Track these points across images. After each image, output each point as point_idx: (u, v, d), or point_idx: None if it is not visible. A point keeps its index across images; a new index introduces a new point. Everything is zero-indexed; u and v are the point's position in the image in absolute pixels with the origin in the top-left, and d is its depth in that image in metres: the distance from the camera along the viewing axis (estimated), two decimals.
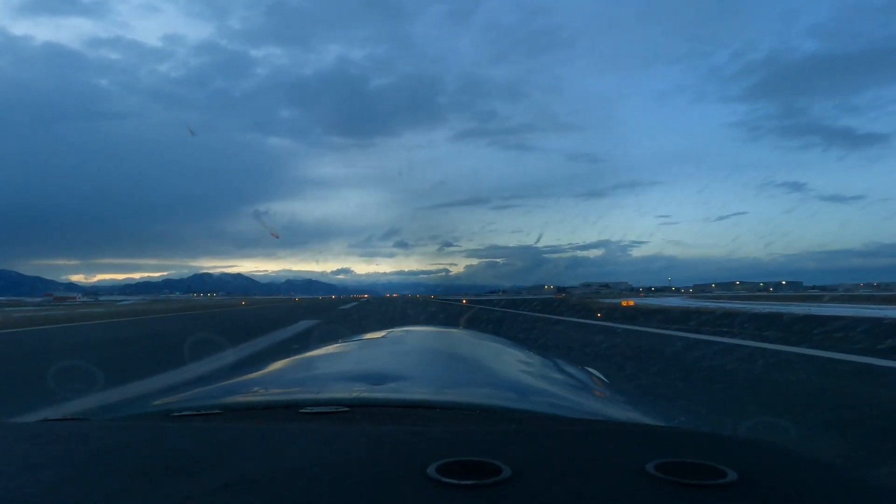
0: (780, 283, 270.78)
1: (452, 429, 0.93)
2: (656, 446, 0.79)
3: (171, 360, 8.20)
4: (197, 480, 0.65)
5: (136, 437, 0.86)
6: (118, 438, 0.85)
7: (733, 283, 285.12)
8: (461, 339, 2.63)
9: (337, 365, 1.81)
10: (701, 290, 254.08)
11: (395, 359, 1.89)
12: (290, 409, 1.07)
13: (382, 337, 2.36)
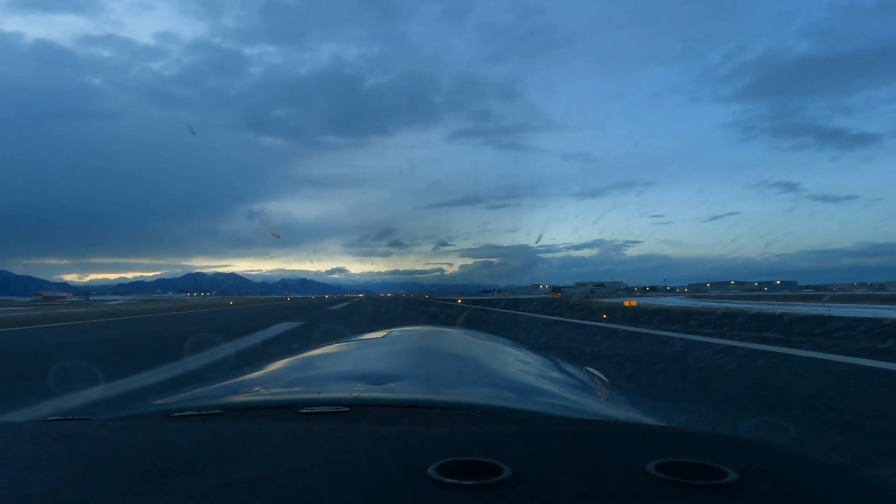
0: (774, 283, 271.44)
1: (453, 429, 0.92)
2: (657, 446, 0.79)
3: (118, 369, 7.55)
4: (197, 480, 0.65)
5: (136, 437, 0.87)
6: (119, 438, 0.86)
7: (728, 282, 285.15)
8: (461, 339, 2.60)
9: (337, 365, 1.81)
10: (696, 289, 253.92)
11: (396, 359, 1.90)
12: (290, 409, 1.07)
13: (383, 337, 2.35)
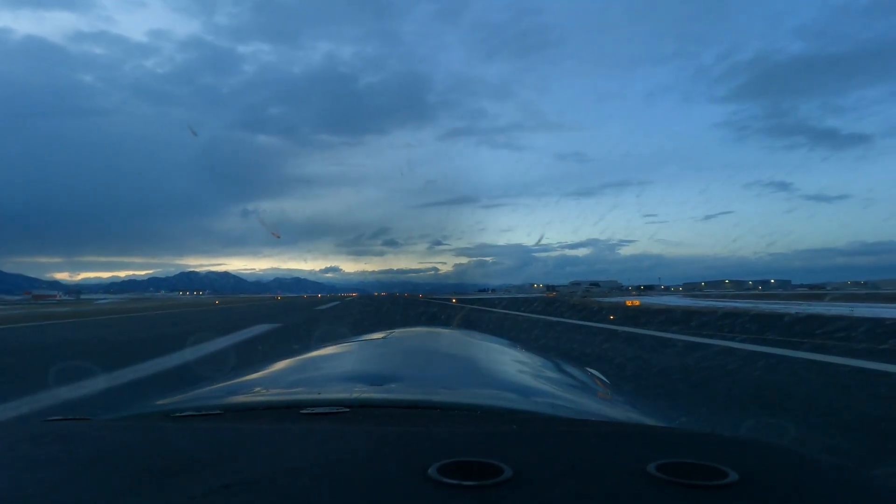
0: (769, 282, 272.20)
1: (453, 429, 0.91)
2: (657, 447, 0.79)
3: (66, 375, 6.99)
4: (198, 481, 0.65)
5: (137, 438, 0.87)
6: (119, 438, 0.86)
7: (722, 281, 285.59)
8: (462, 340, 2.59)
9: (338, 365, 1.80)
10: (691, 288, 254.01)
11: (396, 359, 1.89)
12: (290, 410, 1.07)
13: (383, 337, 2.37)
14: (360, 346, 2.25)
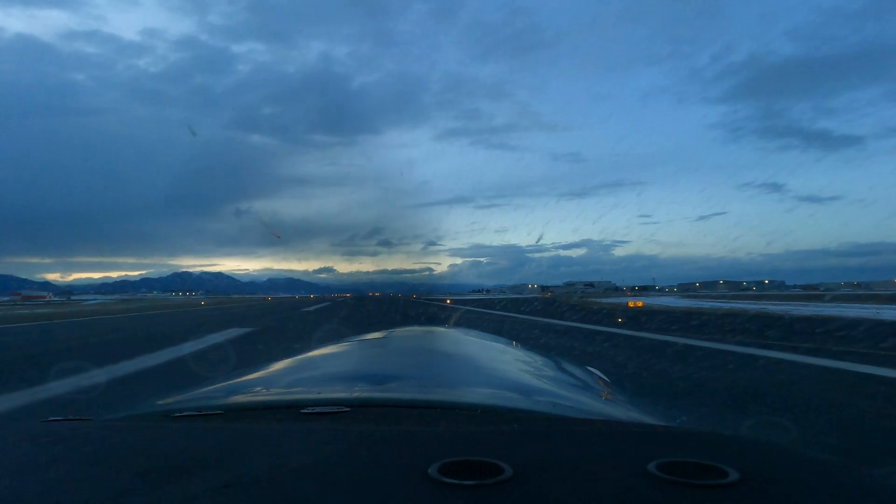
0: (763, 283, 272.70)
1: (454, 429, 0.91)
2: (658, 446, 0.79)
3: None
4: (198, 481, 0.65)
5: (137, 438, 0.86)
6: (120, 439, 0.86)
7: (717, 282, 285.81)
8: (462, 339, 2.57)
9: (338, 365, 1.81)
10: (685, 289, 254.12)
11: (396, 359, 1.90)
12: (291, 410, 1.07)
13: (383, 337, 2.38)
14: (360, 345, 2.26)
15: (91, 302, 65.25)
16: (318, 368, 1.74)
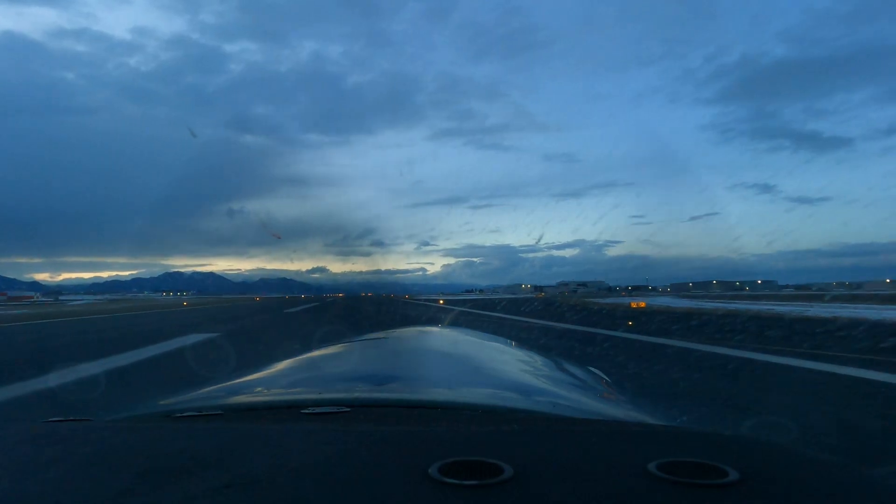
0: (755, 283, 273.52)
1: (454, 429, 0.91)
2: (658, 446, 0.79)
3: None
4: (199, 481, 0.65)
5: (138, 438, 0.86)
6: (121, 439, 0.85)
7: (710, 282, 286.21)
8: (462, 339, 2.58)
9: (338, 365, 1.81)
10: (679, 289, 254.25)
11: (397, 359, 1.90)
12: (291, 410, 1.06)
13: (384, 337, 2.40)
14: (361, 345, 2.28)
15: (76, 303, 63.97)
16: (319, 369, 1.76)
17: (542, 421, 1.04)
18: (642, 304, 31.30)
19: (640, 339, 12.52)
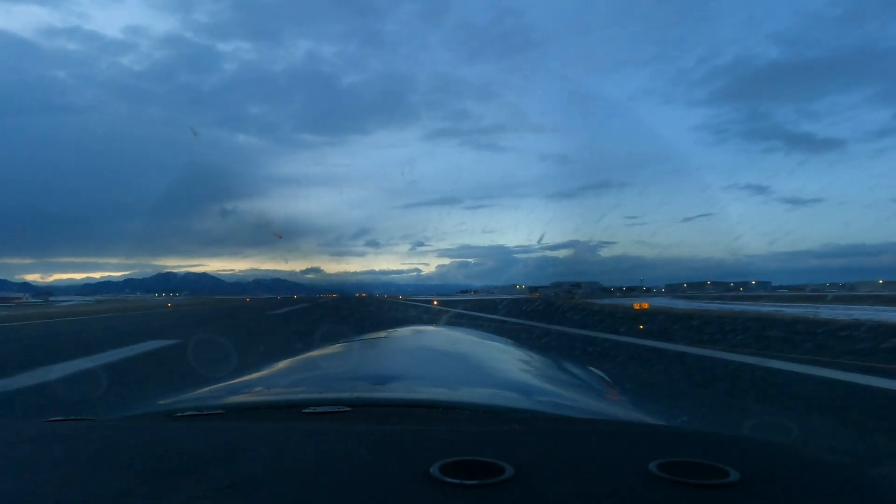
0: (749, 283, 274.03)
1: (455, 428, 0.91)
2: (659, 446, 0.79)
3: None
4: (200, 480, 0.65)
5: (139, 438, 0.86)
6: (122, 439, 0.85)
7: (704, 282, 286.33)
8: (463, 339, 2.56)
9: (339, 365, 1.80)
10: (673, 289, 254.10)
11: (397, 358, 1.89)
12: (292, 409, 1.06)
13: (384, 337, 2.38)
14: (361, 345, 2.26)
15: (64, 304, 62.56)
16: (319, 368, 1.75)
17: (542, 421, 1.05)
18: (645, 306, 30.40)
19: (690, 351, 10.20)
